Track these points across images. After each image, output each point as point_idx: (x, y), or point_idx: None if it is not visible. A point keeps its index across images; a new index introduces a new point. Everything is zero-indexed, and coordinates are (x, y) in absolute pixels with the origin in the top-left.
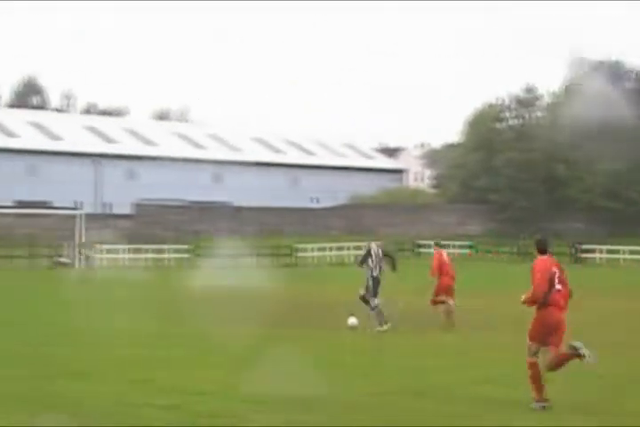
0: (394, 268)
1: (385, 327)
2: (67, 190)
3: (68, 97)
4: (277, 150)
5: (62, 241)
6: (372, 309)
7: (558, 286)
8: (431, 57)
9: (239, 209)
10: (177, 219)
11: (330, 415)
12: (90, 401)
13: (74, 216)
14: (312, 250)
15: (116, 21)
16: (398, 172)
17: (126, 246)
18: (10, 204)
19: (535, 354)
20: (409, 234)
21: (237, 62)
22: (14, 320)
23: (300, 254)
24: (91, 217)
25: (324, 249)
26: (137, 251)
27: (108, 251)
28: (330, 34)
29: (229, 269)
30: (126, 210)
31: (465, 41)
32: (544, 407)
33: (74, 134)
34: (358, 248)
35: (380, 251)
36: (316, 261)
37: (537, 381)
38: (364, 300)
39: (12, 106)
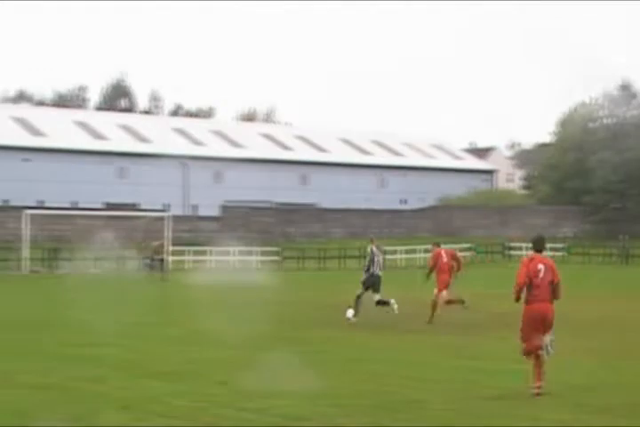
0: (383, 267)
1: (354, 320)
2: (155, 192)
3: (155, 99)
4: (364, 151)
5: (150, 243)
6: (358, 297)
7: (544, 282)
8: (522, 54)
9: (325, 211)
10: (263, 221)
11: (419, 420)
12: (179, 402)
13: (162, 218)
14: (400, 252)
15: (202, 23)
16: (488, 172)
17: (212, 248)
18: (99, 206)
19: (530, 342)
20: (499, 236)
21: (323, 62)
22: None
23: (388, 257)
24: (178, 219)
25: (413, 251)
26: (224, 253)
27: (195, 252)
28: (419, 32)
29: (318, 271)
30: (213, 212)
31: (558, 38)
32: (538, 394)
33: (162, 136)
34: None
35: (379, 251)
36: (404, 263)
37: (538, 367)
38: (381, 302)
39: (100, 109)
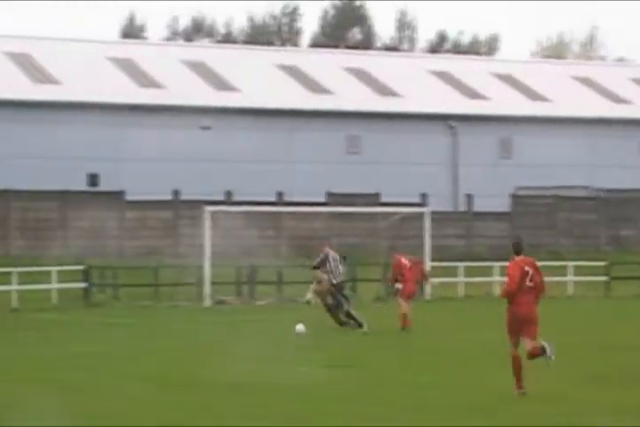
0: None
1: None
2: (402, 174)
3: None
4: None
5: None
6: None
7: (530, 284)
8: None
9: None
10: (579, 218)
11: None
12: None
13: (420, 215)
14: None
15: None
16: None
17: (496, 264)
18: (322, 199)
19: (515, 346)
20: None
21: None
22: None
23: None
24: (441, 217)
25: None
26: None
27: (470, 271)
28: None
29: None
30: (496, 205)
31: None
32: (523, 394)
33: (414, 83)
34: None
35: (338, 257)
36: None
37: (518, 371)
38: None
39: (315, 46)
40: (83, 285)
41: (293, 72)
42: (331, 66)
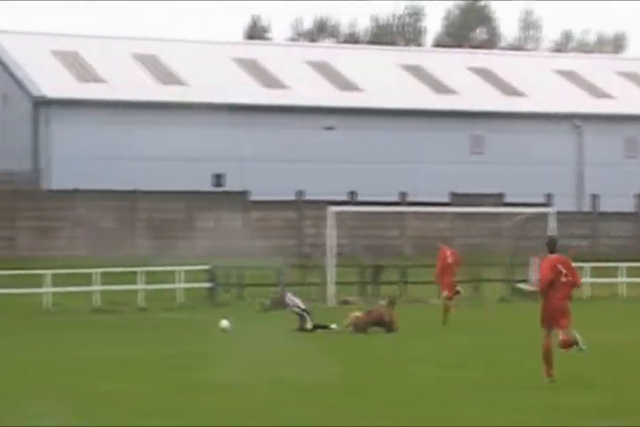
0: None
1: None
2: (524, 174)
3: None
4: None
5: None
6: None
7: (564, 280)
8: None
9: None
10: None
11: None
12: None
13: (544, 216)
14: None
15: None
16: None
17: (623, 264)
18: (446, 199)
19: (548, 336)
20: None
21: None
22: None
23: None
24: (566, 218)
25: None
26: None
27: (596, 272)
28: None
29: None
30: (622, 205)
31: None
32: (552, 381)
33: (537, 82)
34: None
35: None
36: None
37: (548, 360)
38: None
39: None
40: (208, 284)
41: (417, 72)
42: (455, 66)
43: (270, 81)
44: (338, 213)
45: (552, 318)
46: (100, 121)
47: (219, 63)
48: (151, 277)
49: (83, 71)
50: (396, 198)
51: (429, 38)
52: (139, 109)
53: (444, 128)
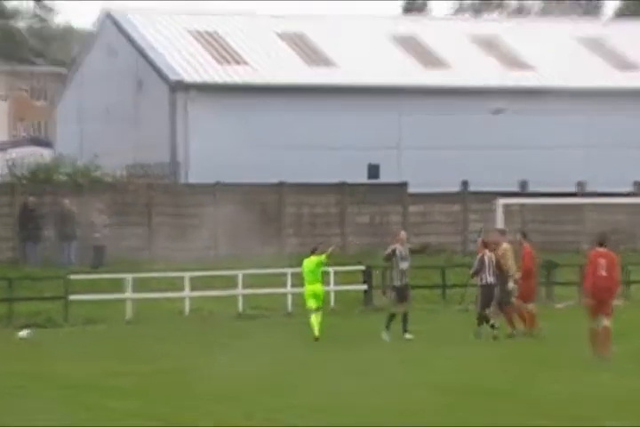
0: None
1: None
2: None
3: None
4: None
5: None
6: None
7: (603, 273)
8: None
9: None
10: None
11: None
12: None
13: None
14: None
15: None
16: None
17: None
18: (628, 189)
19: (593, 322)
20: None
21: None
22: None
23: None
24: None
25: None
26: None
27: None
28: None
29: None
30: None
31: None
32: (603, 359)
33: None
34: None
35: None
36: None
37: (595, 341)
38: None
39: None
40: (362, 287)
41: (596, 46)
42: (638, 37)
43: (430, 59)
44: (507, 206)
45: (598, 306)
46: (243, 107)
47: (372, 41)
48: (300, 279)
49: (223, 52)
50: (572, 189)
51: (609, 8)
52: (285, 94)
53: (626, 109)
